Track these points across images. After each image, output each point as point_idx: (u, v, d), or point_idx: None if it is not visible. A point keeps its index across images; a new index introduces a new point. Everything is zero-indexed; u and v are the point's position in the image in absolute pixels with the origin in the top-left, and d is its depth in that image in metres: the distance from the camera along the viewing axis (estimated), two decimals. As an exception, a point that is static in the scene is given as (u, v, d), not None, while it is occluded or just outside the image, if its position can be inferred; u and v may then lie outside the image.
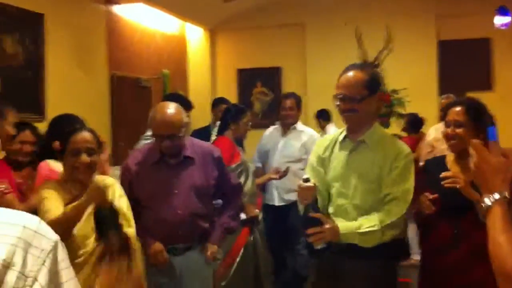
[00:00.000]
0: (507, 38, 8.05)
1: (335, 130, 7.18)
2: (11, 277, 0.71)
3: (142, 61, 6.99)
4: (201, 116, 5.61)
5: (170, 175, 2.99)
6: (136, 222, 2.65)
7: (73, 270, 2.24)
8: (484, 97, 3.09)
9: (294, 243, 4.78)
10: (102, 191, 2.36)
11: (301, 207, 2.51)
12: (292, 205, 4.40)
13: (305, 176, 2.44)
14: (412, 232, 6.09)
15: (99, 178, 2.65)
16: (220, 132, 4.36)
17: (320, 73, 8.41)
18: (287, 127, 5.04)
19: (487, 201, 1.35)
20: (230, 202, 3.28)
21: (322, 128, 7.42)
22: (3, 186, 2.79)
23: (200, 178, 3.03)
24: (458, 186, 2.50)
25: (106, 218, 2.38)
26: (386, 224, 2.44)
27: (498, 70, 8.16)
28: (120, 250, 2.40)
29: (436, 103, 7.55)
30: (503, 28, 7.66)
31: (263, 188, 4.79)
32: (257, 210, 4.20)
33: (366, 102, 2.53)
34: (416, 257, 6.11)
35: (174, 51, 7.87)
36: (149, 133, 4.29)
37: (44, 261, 0.74)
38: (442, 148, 5.39)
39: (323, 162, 2.67)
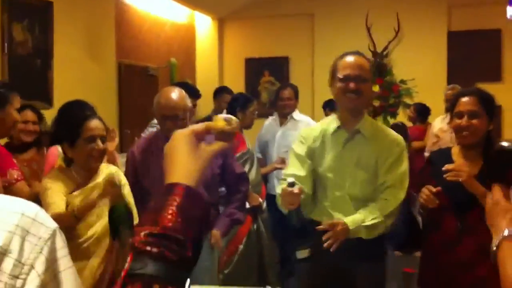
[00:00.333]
0: (518, 30, 7.97)
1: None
2: (7, 264, 0.71)
3: (150, 50, 6.99)
4: (209, 105, 5.60)
5: None
6: (140, 209, 2.67)
7: (83, 255, 2.26)
8: (492, 88, 3.02)
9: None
10: (117, 187, 2.36)
11: (284, 211, 2.45)
12: None
13: (290, 180, 2.33)
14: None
15: (102, 166, 2.66)
16: None
17: (328, 63, 8.25)
18: (284, 117, 5.07)
19: (496, 240, 1.37)
20: (236, 192, 3.27)
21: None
22: (16, 173, 2.81)
23: None
24: (460, 180, 2.42)
25: (121, 216, 2.39)
26: (387, 213, 2.50)
27: (508, 61, 8.07)
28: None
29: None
30: (514, 19, 7.58)
31: (265, 178, 4.80)
32: (260, 199, 4.20)
33: (369, 86, 2.59)
34: None
35: (182, 40, 7.86)
36: (155, 121, 4.31)
37: (42, 249, 0.75)
38: (447, 139, 5.38)
39: (313, 153, 2.61)
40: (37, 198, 2.51)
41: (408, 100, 8.26)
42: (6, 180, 2.72)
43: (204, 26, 8.63)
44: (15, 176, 2.81)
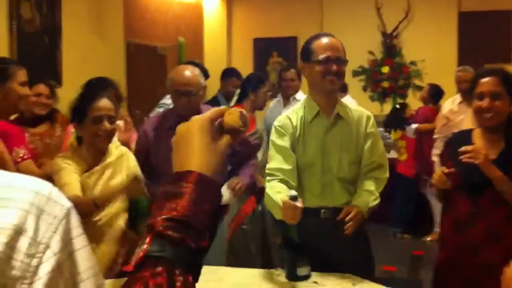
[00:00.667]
0: (529, 10, 7.87)
1: (354, 103, 7.11)
2: (23, 243, 0.71)
3: (158, 29, 6.95)
4: (216, 85, 5.57)
5: None
6: (152, 187, 2.67)
7: (94, 237, 2.27)
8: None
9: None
10: (140, 182, 2.37)
11: (279, 222, 2.42)
12: None
13: (292, 193, 2.27)
14: (437, 204, 6.10)
15: (112, 145, 2.65)
16: (239, 101, 4.37)
17: (337, 43, 8.31)
18: (288, 98, 5.05)
19: None
20: (251, 158, 3.31)
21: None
22: (22, 151, 2.81)
23: None
24: (476, 162, 2.37)
25: (144, 211, 2.40)
26: (380, 191, 2.58)
27: (519, 42, 8.00)
28: None
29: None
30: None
31: None
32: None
33: (345, 68, 2.58)
34: (437, 229, 6.14)
35: (190, 19, 7.81)
36: (164, 101, 4.29)
37: (57, 228, 0.74)
38: (457, 120, 5.34)
39: (295, 142, 2.57)
40: (47, 177, 2.51)
41: (418, 82, 8.21)
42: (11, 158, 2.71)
43: (212, 5, 8.58)
44: (21, 155, 2.80)
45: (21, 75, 2.80)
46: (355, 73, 8.55)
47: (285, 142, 2.55)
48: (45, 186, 0.76)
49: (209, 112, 0.92)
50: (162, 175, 2.95)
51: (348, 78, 8.19)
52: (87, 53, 5.53)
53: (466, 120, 5.10)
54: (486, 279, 2.28)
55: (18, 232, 0.70)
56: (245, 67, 6.99)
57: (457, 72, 5.77)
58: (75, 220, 0.77)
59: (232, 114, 0.92)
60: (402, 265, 5.60)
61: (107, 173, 2.55)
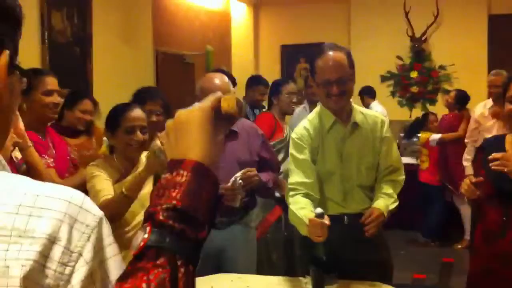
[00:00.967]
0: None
1: (381, 109, 7.03)
2: (56, 252, 0.72)
3: (187, 37, 7.02)
4: (243, 92, 5.59)
5: None
6: None
7: (125, 247, 2.30)
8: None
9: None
10: (161, 160, 2.35)
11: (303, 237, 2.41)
12: None
13: (318, 211, 2.25)
14: (466, 212, 6.00)
15: (143, 155, 2.68)
16: (268, 109, 4.40)
17: (364, 49, 8.27)
18: (314, 104, 5.02)
19: None
20: (270, 171, 3.28)
21: (366, 106, 7.31)
22: (45, 161, 2.84)
23: (244, 153, 3.03)
24: (506, 170, 2.29)
25: None
26: (397, 193, 2.61)
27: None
28: None
29: (486, 79, 7.33)
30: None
31: None
32: None
33: (352, 81, 2.57)
34: (467, 237, 6.04)
35: (218, 27, 7.86)
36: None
37: (89, 237, 0.75)
38: (487, 125, 5.26)
39: (315, 153, 2.58)
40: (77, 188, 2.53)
41: (447, 86, 8.11)
42: None
43: (239, 12, 8.62)
44: (47, 163, 2.84)
45: (47, 83, 2.83)
46: (383, 79, 8.49)
47: (304, 155, 2.55)
48: (78, 196, 0.78)
49: (209, 100, 0.91)
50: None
51: (376, 84, 8.19)
52: (117, 63, 5.61)
53: (496, 125, 5.02)
54: None
55: (51, 241, 0.72)
56: (273, 74, 7.00)
57: (490, 76, 5.68)
58: (106, 229, 0.79)
59: (229, 101, 0.92)
60: (432, 273, 5.52)
61: (140, 170, 2.57)
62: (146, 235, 0.76)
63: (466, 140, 5.75)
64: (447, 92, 7.89)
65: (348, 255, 2.50)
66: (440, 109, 7.52)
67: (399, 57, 8.42)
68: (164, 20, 6.53)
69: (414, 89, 8.37)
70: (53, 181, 2.70)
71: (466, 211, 6.02)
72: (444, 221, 6.46)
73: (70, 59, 4.99)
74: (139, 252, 0.75)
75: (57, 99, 2.89)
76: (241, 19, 8.69)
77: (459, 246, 6.16)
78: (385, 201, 2.54)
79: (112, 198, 2.43)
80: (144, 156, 2.69)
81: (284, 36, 8.99)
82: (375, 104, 7.32)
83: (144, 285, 0.72)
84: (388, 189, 2.59)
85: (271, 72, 7.85)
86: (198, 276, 0.87)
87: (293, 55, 8.92)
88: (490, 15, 8.06)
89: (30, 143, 2.62)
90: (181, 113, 0.90)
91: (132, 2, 5.94)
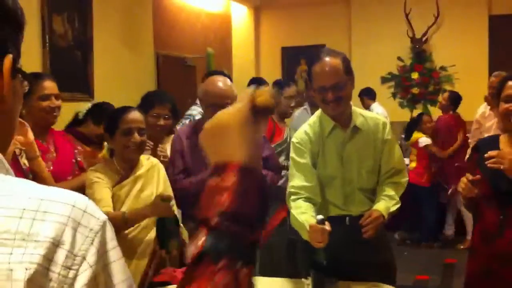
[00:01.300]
0: None
1: (382, 110, 7.01)
2: (60, 255, 0.72)
3: (187, 40, 7.03)
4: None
5: None
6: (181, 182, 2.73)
7: (129, 252, 2.30)
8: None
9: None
10: (167, 205, 2.39)
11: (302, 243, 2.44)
12: None
13: (319, 217, 2.26)
14: (467, 212, 6.00)
15: (143, 157, 2.69)
16: None
17: (365, 50, 8.29)
18: (315, 106, 5.00)
19: None
20: (271, 170, 3.28)
21: (366, 108, 7.30)
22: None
23: None
24: (501, 167, 2.29)
25: (171, 229, 2.43)
26: (399, 195, 2.60)
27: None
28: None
29: (487, 80, 7.33)
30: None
31: None
32: None
33: (348, 87, 2.54)
34: (469, 237, 6.04)
35: (219, 29, 7.87)
36: (190, 112, 4.30)
37: (93, 241, 0.75)
38: (487, 126, 5.26)
39: (315, 157, 2.58)
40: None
41: (448, 87, 8.10)
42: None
43: (240, 15, 8.63)
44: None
45: (43, 88, 2.82)
46: (384, 80, 8.50)
47: (305, 159, 2.56)
48: (82, 200, 0.78)
49: (246, 100, 0.90)
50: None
51: (377, 85, 8.20)
52: (118, 66, 5.62)
53: (494, 126, 5.02)
54: None
55: (55, 244, 0.72)
56: (274, 76, 6.99)
57: (492, 78, 5.68)
58: (110, 233, 0.79)
59: (264, 95, 0.91)
60: (435, 274, 5.52)
61: (138, 185, 2.59)
62: (201, 241, 0.76)
63: (469, 140, 5.76)
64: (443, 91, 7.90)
65: (350, 256, 2.49)
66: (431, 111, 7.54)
67: (399, 58, 8.42)
68: (164, 23, 6.55)
69: (415, 90, 8.37)
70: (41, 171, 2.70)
71: (467, 211, 6.02)
72: (437, 223, 6.44)
73: (71, 63, 5.00)
74: (195, 257, 0.76)
75: (54, 103, 2.87)
76: (241, 22, 8.70)
77: (462, 247, 6.15)
78: (386, 203, 2.53)
79: (112, 215, 2.41)
80: (144, 158, 2.70)
81: (285, 38, 9.00)
82: (375, 106, 7.32)
83: None
84: (389, 191, 2.58)
85: (272, 74, 7.85)
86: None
87: (293, 57, 8.93)
88: (490, 15, 8.06)
89: (38, 153, 2.62)
90: (220, 116, 0.90)
91: (133, 5, 5.95)
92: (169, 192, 2.64)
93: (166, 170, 2.82)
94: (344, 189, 2.58)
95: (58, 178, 2.83)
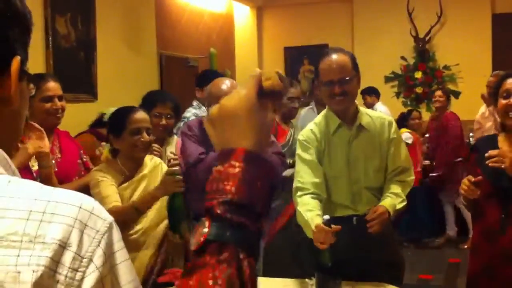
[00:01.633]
0: None
1: (385, 109, 6.99)
2: (67, 257, 0.72)
3: (190, 40, 7.03)
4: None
5: None
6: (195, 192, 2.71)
7: (133, 246, 2.29)
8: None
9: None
10: (175, 179, 2.38)
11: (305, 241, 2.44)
12: None
13: (326, 217, 2.28)
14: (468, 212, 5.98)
15: (146, 157, 2.69)
16: None
17: (368, 50, 8.27)
18: (322, 105, 4.96)
19: None
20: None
21: (369, 107, 7.27)
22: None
23: None
24: (502, 166, 2.29)
25: (180, 209, 2.43)
26: (406, 193, 2.61)
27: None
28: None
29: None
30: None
31: None
32: None
33: (355, 83, 2.58)
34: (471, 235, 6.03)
35: (221, 30, 7.87)
36: (185, 114, 4.25)
37: (99, 242, 0.75)
38: (487, 126, 5.26)
39: (321, 155, 2.60)
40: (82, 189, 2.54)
41: (452, 86, 8.09)
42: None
43: (242, 15, 8.63)
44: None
45: (46, 89, 2.81)
46: (388, 79, 8.49)
47: (311, 156, 2.57)
48: (88, 201, 0.78)
49: (252, 84, 0.88)
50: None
51: (381, 84, 8.18)
52: (121, 67, 5.62)
53: (494, 126, 5.02)
54: None
55: (62, 246, 0.72)
56: (277, 76, 6.98)
57: (490, 77, 5.67)
58: (116, 234, 0.79)
59: (271, 79, 0.88)
60: (439, 273, 5.51)
61: (142, 185, 2.59)
62: (205, 230, 0.76)
63: (471, 139, 5.76)
64: (452, 92, 7.88)
65: (357, 256, 2.50)
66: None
67: (403, 58, 8.41)
68: (167, 23, 6.55)
69: (419, 89, 8.36)
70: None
71: (467, 211, 6.00)
72: (437, 223, 6.43)
73: (75, 63, 5.00)
74: (199, 247, 0.75)
75: (57, 104, 2.86)
76: (244, 22, 8.70)
77: (465, 246, 6.14)
78: (392, 200, 2.54)
79: (122, 208, 2.44)
80: (148, 158, 2.70)
81: (288, 38, 9.00)
82: (378, 105, 7.31)
83: (210, 281, 0.73)
84: (396, 189, 2.59)
85: (275, 74, 7.83)
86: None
87: (296, 57, 8.93)
88: (493, 14, 8.04)
89: (51, 163, 2.63)
90: (226, 102, 0.88)
91: (136, 6, 5.96)
92: None
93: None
94: (351, 188, 2.59)
95: (63, 179, 2.84)
